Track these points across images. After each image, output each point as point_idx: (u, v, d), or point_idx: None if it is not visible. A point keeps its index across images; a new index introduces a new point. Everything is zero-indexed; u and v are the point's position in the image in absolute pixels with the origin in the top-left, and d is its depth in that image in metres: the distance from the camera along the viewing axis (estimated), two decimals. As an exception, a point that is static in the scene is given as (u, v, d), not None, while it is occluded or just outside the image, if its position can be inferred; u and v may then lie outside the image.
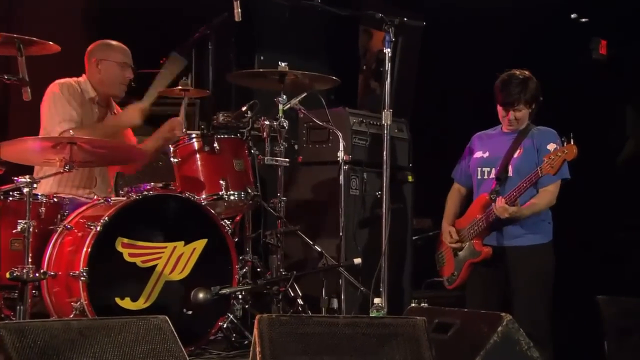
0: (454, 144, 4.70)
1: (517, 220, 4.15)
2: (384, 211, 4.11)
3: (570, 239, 4.72)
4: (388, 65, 4.11)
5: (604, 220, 5.60)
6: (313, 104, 4.78)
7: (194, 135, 4.37)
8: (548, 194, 4.17)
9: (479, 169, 4.32)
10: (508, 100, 4.18)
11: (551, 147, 4.11)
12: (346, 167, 4.70)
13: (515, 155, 4.21)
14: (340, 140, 4.60)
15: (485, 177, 4.28)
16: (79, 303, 3.76)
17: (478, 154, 4.35)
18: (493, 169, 4.25)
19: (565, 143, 3.90)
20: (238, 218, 4.70)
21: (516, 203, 4.06)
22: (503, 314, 3.35)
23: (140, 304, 3.86)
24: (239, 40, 5.80)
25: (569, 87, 5.71)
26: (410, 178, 5.22)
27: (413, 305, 3.76)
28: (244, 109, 4.50)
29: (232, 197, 4.34)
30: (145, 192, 4.02)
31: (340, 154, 4.60)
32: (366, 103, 6.03)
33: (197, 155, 4.35)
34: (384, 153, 4.11)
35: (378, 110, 4.30)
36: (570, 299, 4.83)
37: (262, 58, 5.78)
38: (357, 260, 4.34)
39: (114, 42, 4.51)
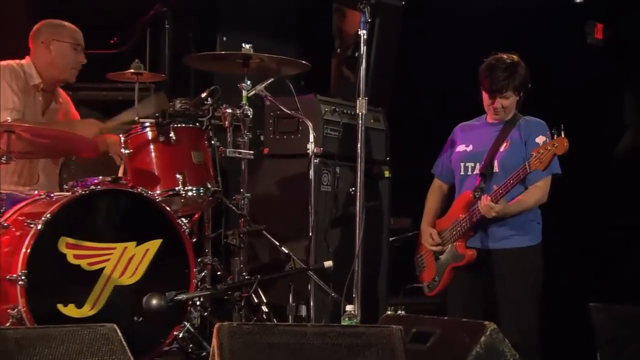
0: (435, 135, 4.71)
1: (504, 220, 4.17)
2: (357, 209, 4.13)
3: (561, 241, 4.76)
4: (363, 49, 4.13)
5: (598, 219, 5.64)
6: (281, 90, 4.78)
7: (147, 124, 4.35)
8: (537, 191, 4.19)
9: (462, 164, 4.33)
10: (495, 86, 4.20)
11: (540, 140, 4.13)
12: (317, 160, 4.71)
13: (501, 149, 4.23)
14: (311, 131, 4.60)
15: (469, 172, 4.30)
16: (16, 310, 3.74)
17: (461, 148, 4.36)
18: (477, 164, 4.27)
19: (555, 135, 3.92)
20: (196, 216, 4.68)
21: (502, 200, 4.09)
22: (487, 322, 3.38)
23: (86, 311, 3.84)
24: (199, 19, 5.78)
25: (561, 73, 5.74)
26: (387, 173, 5.24)
27: (389, 312, 3.77)
28: (203, 95, 4.49)
29: (190, 193, 4.33)
30: (93, 187, 3.99)
31: (310, 146, 4.60)
32: (340, 90, 6.01)
33: (151, 146, 4.33)
34: (358, 145, 4.14)
35: (352, 99, 4.32)
36: (560, 306, 4.87)
37: (224, 39, 5.74)
38: (328, 264, 4.36)
39: (65, 23, 4.49)
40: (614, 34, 6.15)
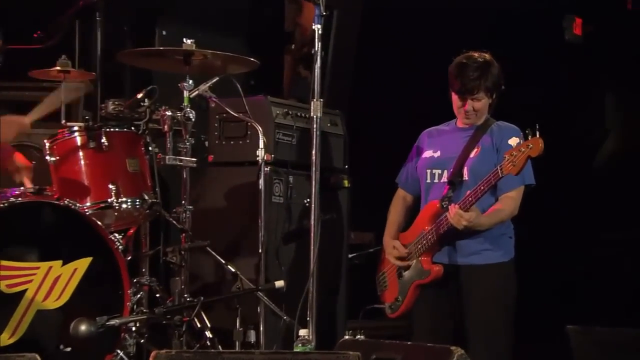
0: (399, 141, 4.71)
1: (474, 233, 4.17)
2: (312, 223, 4.09)
3: (536, 257, 4.79)
4: (318, 46, 4.11)
5: (577, 234, 5.68)
6: (227, 91, 4.76)
7: (75, 128, 4.34)
8: (510, 201, 4.18)
9: (428, 171, 4.31)
10: (465, 87, 4.19)
11: (513, 141, 4.13)
12: (267, 168, 4.70)
13: (472, 155, 4.22)
14: (260, 136, 4.59)
15: (436, 180, 4.29)
16: None
17: (427, 154, 4.35)
18: (445, 171, 4.26)
19: (529, 136, 3.92)
20: (132, 231, 4.68)
21: (473, 209, 4.08)
22: (453, 347, 3.37)
23: (5, 338, 3.80)
24: (135, 10, 5.76)
25: (537, 73, 5.79)
26: (346, 183, 5.24)
27: (347, 337, 3.76)
28: (139, 96, 4.47)
29: (124, 206, 4.32)
30: (13, 199, 3.96)
31: (260, 153, 4.59)
32: (294, 91, 6.04)
33: (80, 153, 4.31)
34: (313, 152, 4.10)
35: (308, 100, 4.25)
36: (535, 329, 4.89)
37: (164, 33, 5.74)
38: (280, 283, 4.34)
39: None
40: (595, 29, 6.22)
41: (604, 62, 6.08)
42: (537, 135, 3.89)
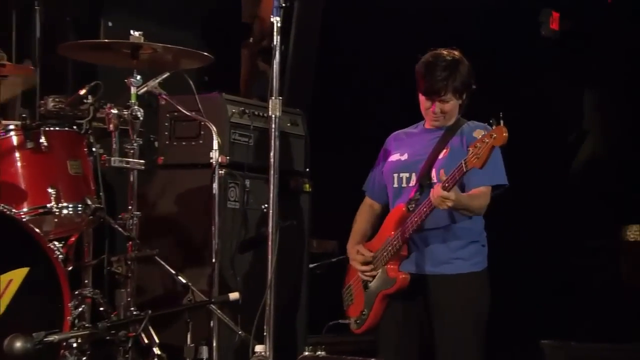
0: (365, 143, 4.73)
1: (443, 242, 4.19)
2: (270, 230, 4.06)
3: (510, 267, 4.79)
4: (277, 39, 4.12)
5: (554, 242, 5.71)
6: (179, 87, 4.75)
7: (11, 127, 4.30)
8: (482, 195, 4.18)
9: (395, 175, 4.33)
10: (433, 87, 4.20)
11: (477, 134, 4.10)
12: (222, 171, 4.71)
13: (440, 156, 4.24)
14: (215, 137, 4.58)
15: (404, 184, 4.30)
16: None
17: (394, 157, 4.37)
18: (413, 175, 4.28)
19: (493, 126, 3.90)
20: (73, 239, 4.63)
21: (455, 189, 4.02)
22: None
23: None
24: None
25: (511, 71, 5.81)
26: (307, 187, 5.25)
27: (306, 353, 3.76)
28: (82, 92, 4.43)
29: (65, 211, 4.29)
30: (-59, 204, 3.95)
31: (214, 155, 4.58)
32: (252, 88, 6.02)
33: (17, 154, 4.28)
34: (271, 154, 4.09)
35: (266, 98, 4.23)
36: (509, 343, 4.90)
37: (109, 24, 5.70)
38: (234, 296, 4.33)
39: None
40: (573, 24, 6.25)
41: (583, 59, 6.11)
42: (501, 124, 3.87)
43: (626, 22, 5.93)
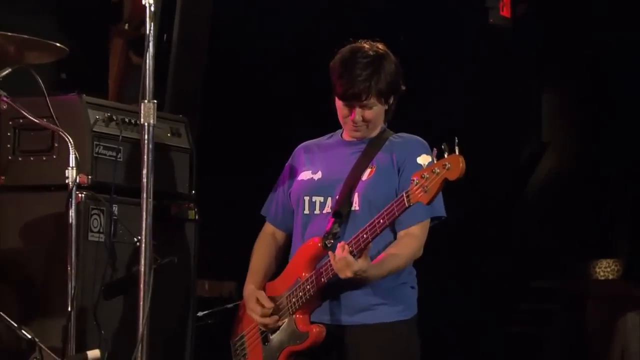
0: (266, 158, 4.81)
1: (365, 284, 4.20)
2: (142, 269, 4.02)
3: (446, 313, 4.81)
4: (150, 27, 4.10)
5: (499, 282, 5.77)
6: (26, 87, 4.74)
7: None
8: (412, 241, 4.23)
9: (307, 198, 4.37)
10: (352, 90, 4.23)
11: (423, 160, 4.17)
12: (82, 194, 4.71)
13: (364, 177, 4.28)
14: (71, 150, 4.56)
15: (316, 211, 4.34)
16: None
17: (304, 175, 4.41)
18: (329, 199, 4.32)
19: (445, 153, 3.94)
20: None
21: (365, 254, 4.09)
22: None
23: None
24: None
25: (451, 68, 5.86)
26: (192, 214, 5.25)
27: None
28: None
29: None
30: None
31: (71, 173, 4.57)
32: (126, 88, 5.97)
33: None
34: (144, 172, 4.06)
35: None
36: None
37: None
38: (94, 354, 4.33)
39: None
40: (527, 9, 6.35)
41: (540, 53, 6.21)
42: (457, 152, 3.90)
43: (591, 5, 6.05)
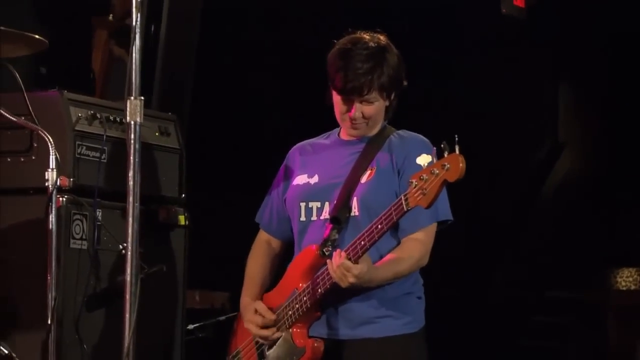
0: (261, 160, 4.77)
1: (367, 294, 4.20)
2: (128, 279, 4.00)
3: (455, 325, 4.80)
4: (137, 17, 4.09)
5: (512, 291, 5.77)
6: (2, 83, 4.77)
7: None
8: (417, 246, 4.21)
9: (303, 204, 4.36)
10: (352, 83, 4.22)
11: (422, 160, 4.12)
12: (63, 198, 4.71)
13: (363, 180, 4.28)
14: (52, 150, 4.59)
15: (313, 217, 4.34)
16: None
17: (300, 179, 4.42)
18: (326, 204, 4.31)
19: (445, 153, 3.92)
20: None
21: (365, 260, 4.08)
22: None
23: None
24: None
25: (458, 62, 5.85)
26: (182, 219, 5.24)
27: None
28: None
29: None
30: None
31: (51, 175, 4.59)
32: (110, 85, 5.96)
33: None
34: (130, 174, 4.01)
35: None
36: None
37: None
38: None
39: None
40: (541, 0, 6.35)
41: (556, 46, 6.20)
42: (456, 151, 3.89)
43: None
